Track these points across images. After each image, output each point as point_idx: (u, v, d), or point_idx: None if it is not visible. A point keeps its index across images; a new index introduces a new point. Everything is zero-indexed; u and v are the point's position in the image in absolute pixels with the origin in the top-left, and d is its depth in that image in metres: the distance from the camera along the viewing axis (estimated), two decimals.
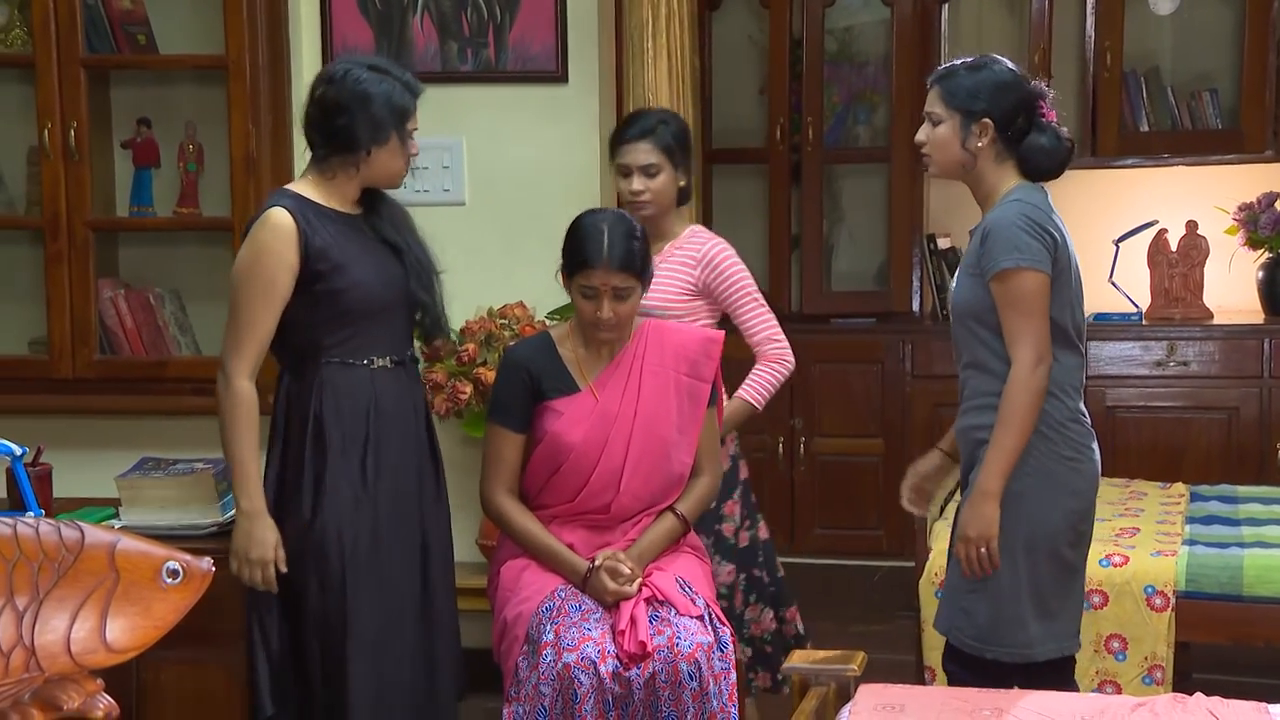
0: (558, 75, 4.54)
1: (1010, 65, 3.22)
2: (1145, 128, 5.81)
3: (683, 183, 3.89)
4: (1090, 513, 3.24)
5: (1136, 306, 5.69)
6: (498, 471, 3.48)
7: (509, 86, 4.55)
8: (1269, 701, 2.93)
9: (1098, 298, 5.79)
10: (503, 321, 4.40)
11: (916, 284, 5.96)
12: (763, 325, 3.90)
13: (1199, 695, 2.89)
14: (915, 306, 5.97)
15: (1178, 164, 5.83)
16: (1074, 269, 3.17)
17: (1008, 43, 5.98)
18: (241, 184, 4.31)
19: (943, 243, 5.99)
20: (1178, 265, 5.75)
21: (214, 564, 2.34)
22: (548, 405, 3.45)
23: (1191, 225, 5.76)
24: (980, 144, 3.15)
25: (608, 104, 4.77)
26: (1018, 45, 5.86)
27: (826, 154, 6.07)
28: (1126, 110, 5.79)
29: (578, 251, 3.40)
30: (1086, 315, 5.46)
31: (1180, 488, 4.84)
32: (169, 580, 2.28)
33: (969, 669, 3.18)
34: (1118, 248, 5.75)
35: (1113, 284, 5.73)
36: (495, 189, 4.56)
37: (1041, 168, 3.19)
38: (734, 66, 6.23)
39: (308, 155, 4.48)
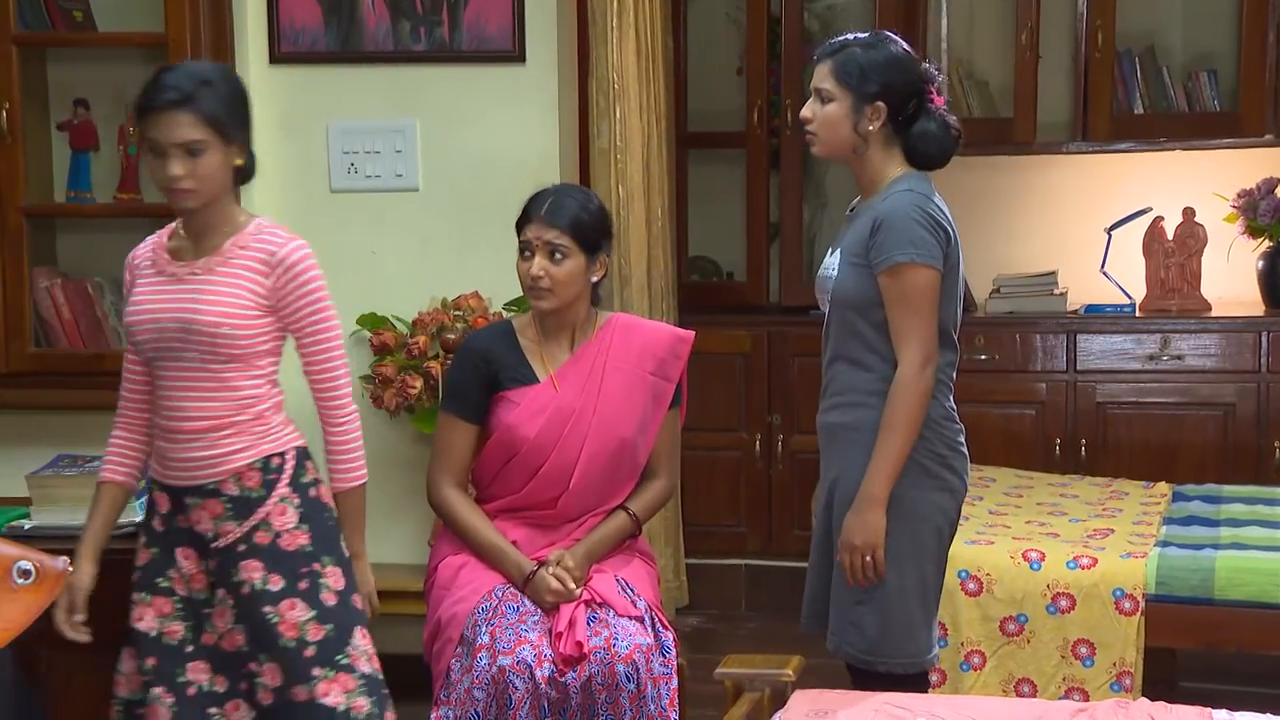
0: (514, 55, 4.57)
1: (904, 45, 3.24)
2: (1140, 110, 5.84)
3: (240, 161, 3.14)
4: (960, 510, 3.30)
5: (1130, 298, 5.72)
6: (446, 462, 3.53)
7: (464, 67, 4.59)
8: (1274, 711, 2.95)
9: (1089, 289, 5.84)
10: (457, 313, 4.44)
11: None
12: (328, 372, 3.21)
13: (1143, 700, 2.94)
14: None
15: (1174, 148, 5.85)
16: (960, 264, 3.22)
17: (995, 19, 6.02)
18: None
19: None
20: (1174, 255, 5.78)
21: (70, 563, 2.35)
22: (504, 396, 3.51)
23: (1188, 212, 5.78)
24: (872, 128, 3.18)
25: (568, 85, 4.81)
26: (1005, 22, 5.88)
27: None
28: (1120, 91, 5.81)
29: (522, 211, 3.51)
30: (1078, 306, 5.61)
31: (1163, 487, 4.88)
32: (20, 580, 2.30)
33: (860, 685, 3.21)
34: (1110, 236, 5.77)
35: (1104, 274, 5.76)
36: (450, 174, 4.60)
37: (929, 156, 3.22)
38: (710, 46, 6.26)
39: (253, 138, 4.53)
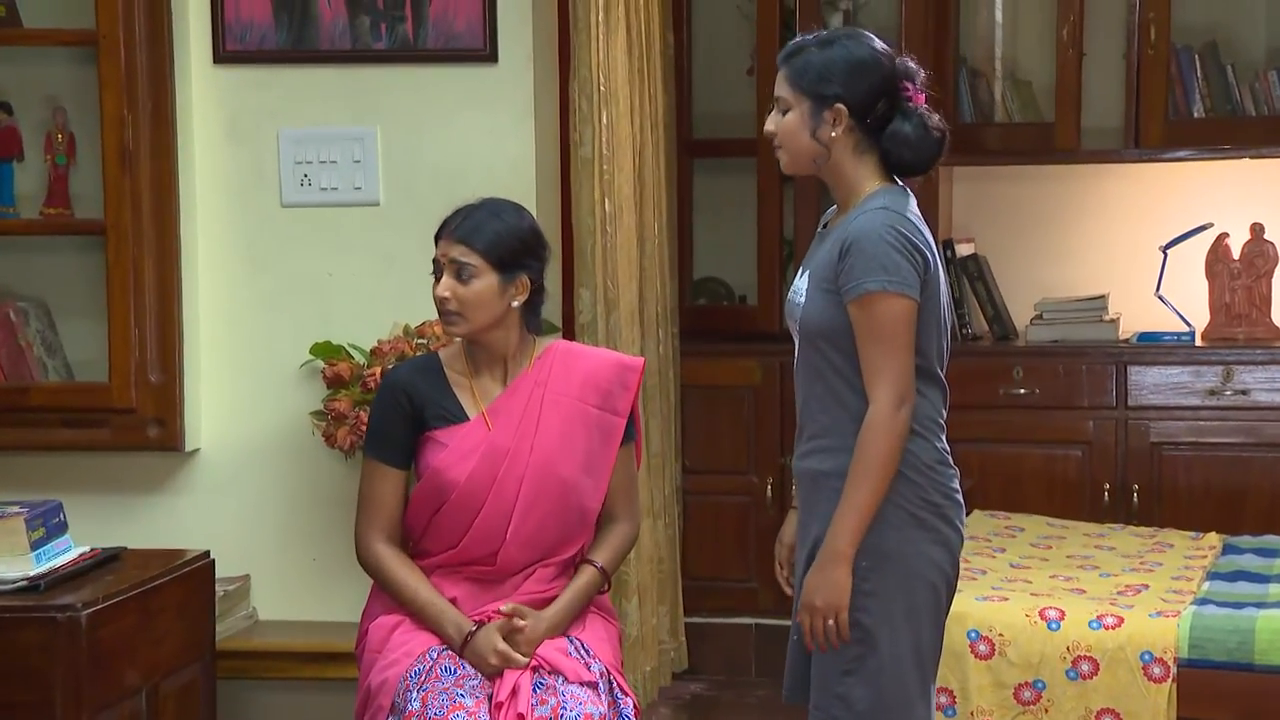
0: (486, 54, 4.60)
1: (871, 41, 3.23)
2: (1199, 113, 5.83)
3: None
4: (957, 566, 3.28)
5: (1189, 325, 5.71)
6: (374, 514, 3.55)
7: (430, 67, 4.61)
8: None
9: (1143, 314, 5.84)
10: (420, 341, 4.45)
11: None
12: None
13: None
14: None
15: (1240, 156, 5.85)
16: (942, 290, 3.21)
17: (1038, 11, 6.04)
18: (115, 180, 4.39)
19: (963, 249, 6.03)
20: (1240, 276, 5.78)
21: None
22: (431, 436, 3.53)
23: (1256, 229, 5.79)
24: (834, 133, 3.17)
25: (547, 88, 4.83)
26: (1049, 15, 5.89)
27: None
28: (1178, 92, 5.81)
29: (439, 227, 3.58)
30: (1130, 334, 5.61)
31: (1213, 538, 4.86)
32: None
33: None
34: (1166, 255, 5.78)
35: (1160, 298, 5.76)
36: (414, 187, 4.61)
37: (905, 162, 3.20)
38: (718, 43, 6.28)
39: (196, 147, 4.57)
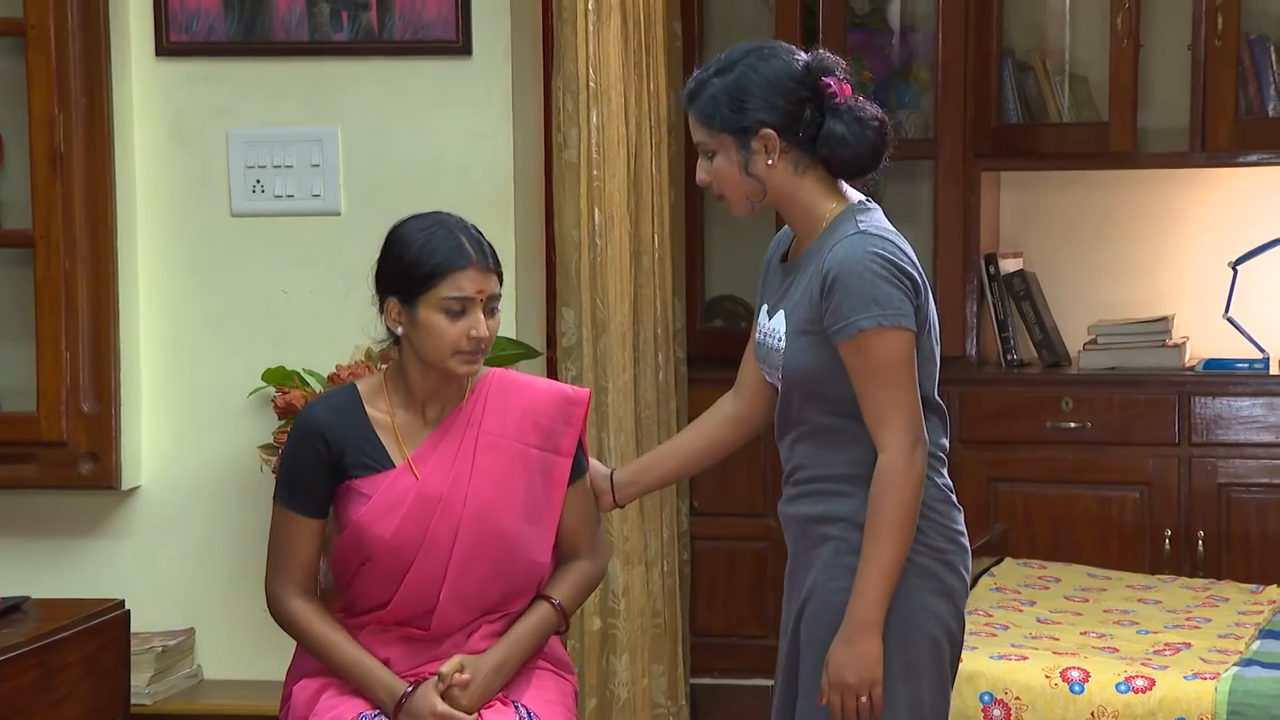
0: (458, 46, 4.66)
1: (775, 49, 3.24)
2: (1275, 112, 5.83)
3: None
4: (962, 620, 3.29)
5: (1263, 351, 5.71)
6: (286, 567, 3.51)
7: (396, 61, 4.67)
8: None
9: (1210, 339, 5.85)
10: (384, 367, 4.51)
11: (972, 319, 6.01)
12: None
13: None
14: (970, 350, 6.02)
15: None
16: (931, 309, 3.23)
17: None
18: (45, 186, 4.47)
19: (1009, 264, 6.04)
20: None
21: None
22: (351, 485, 3.47)
23: None
24: (769, 161, 3.18)
25: (527, 83, 4.88)
26: (1106, 2, 5.92)
27: None
28: (1250, 88, 5.80)
29: (426, 257, 3.42)
30: (1196, 361, 5.62)
31: (1273, 592, 4.85)
32: None
33: None
34: (1236, 272, 5.78)
35: (1229, 320, 5.76)
36: (379, 194, 4.66)
37: (847, 162, 3.21)
38: (733, 32, 6.29)
39: (136, 149, 4.63)
